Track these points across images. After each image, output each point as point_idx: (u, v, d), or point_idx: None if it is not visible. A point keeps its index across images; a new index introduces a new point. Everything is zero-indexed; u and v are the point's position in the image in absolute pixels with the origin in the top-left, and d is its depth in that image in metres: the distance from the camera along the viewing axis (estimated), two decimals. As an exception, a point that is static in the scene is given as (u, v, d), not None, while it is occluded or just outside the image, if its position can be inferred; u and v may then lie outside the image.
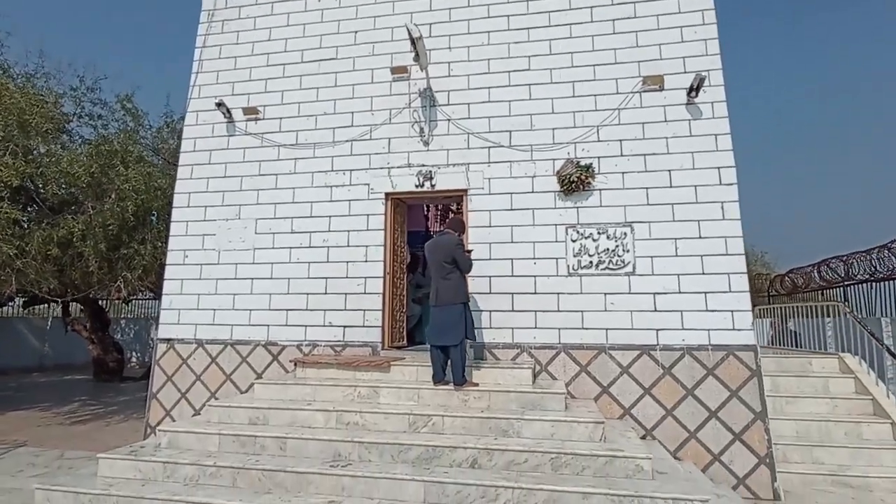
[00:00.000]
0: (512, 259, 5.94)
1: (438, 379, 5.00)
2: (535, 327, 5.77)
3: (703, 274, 5.53)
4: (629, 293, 5.64)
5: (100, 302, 13.41)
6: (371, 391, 5.11)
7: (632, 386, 5.48)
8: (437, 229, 9.77)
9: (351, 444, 4.37)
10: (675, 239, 5.65)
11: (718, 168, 5.69)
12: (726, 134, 5.74)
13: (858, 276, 9.67)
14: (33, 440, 7.12)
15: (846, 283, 10.31)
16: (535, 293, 5.83)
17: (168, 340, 6.63)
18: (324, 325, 6.27)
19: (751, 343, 5.35)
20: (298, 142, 6.72)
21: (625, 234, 5.76)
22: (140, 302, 17.42)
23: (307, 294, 6.37)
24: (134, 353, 17.11)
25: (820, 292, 11.57)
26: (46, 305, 15.04)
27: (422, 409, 4.79)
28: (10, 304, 13.72)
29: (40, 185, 8.24)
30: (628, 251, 5.72)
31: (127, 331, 17.39)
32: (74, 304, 13.28)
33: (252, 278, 6.54)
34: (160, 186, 8.79)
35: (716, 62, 5.90)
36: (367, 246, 6.32)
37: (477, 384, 5.00)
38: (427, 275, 9.03)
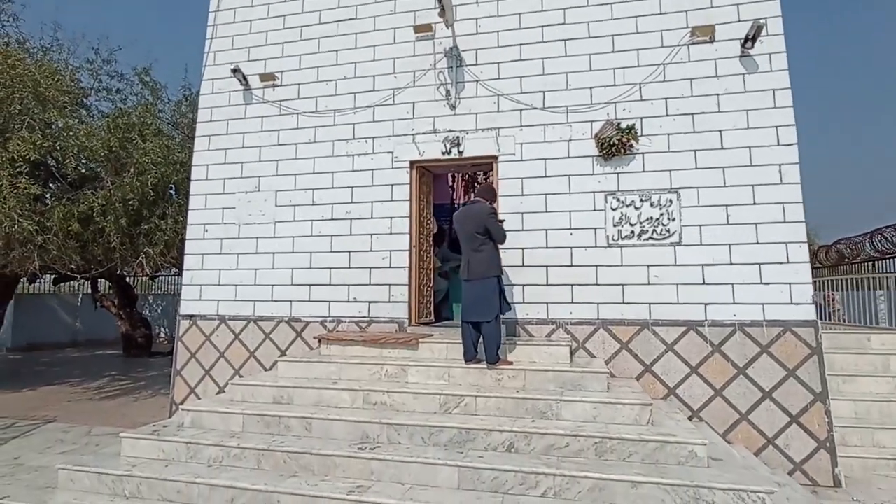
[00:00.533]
0: (546, 230, 5.56)
1: (470, 357, 4.72)
2: (572, 302, 5.42)
3: (758, 244, 5.08)
4: (675, 265, 5.23)
5: (126, 279, 13.50)
6: (399, 370, 4.86)
7: (677, 364, 5.11)
8: (463, 201, 9.41)
9: (379, 425, 4.14)
10: (727, 206, 5.19)
11: (776, 127, 5.17)
12: (786, 89, 5.20)
13: None
14: (63, 416, 7.14)
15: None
16: (572, 266, 5.46)
17: (190, 317, 6.49)
18: (348, 301, 6.02)
19: (810, 318, 4.91)
20: (318, 109, 6.38)
21: (670, 200, 5.32)
22: (165, 278, 17.57)
23: (330, 269, 6.12)
24: (162, 329, 17.35)
25: (871, 263, 10.88)
26: (76, 282, 15.26)
27: (453, 388, 4.53)
28: (39, 280, 13.89)
29: (59, 160, 8.10)
30: (674, 220, 5.28)
31: (154, 307, 17.61)
32: (103, 280, 13.42)
33: (273, 252, 6.32)
34: (179, 160, 8.59)
35: (774, 8, 5.32)
36: (391, 217, 6.01)
37: (511, 362, 4.70)
38: (453, 248, 8.72)
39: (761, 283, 5.03)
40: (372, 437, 4.14)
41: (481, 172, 9.18)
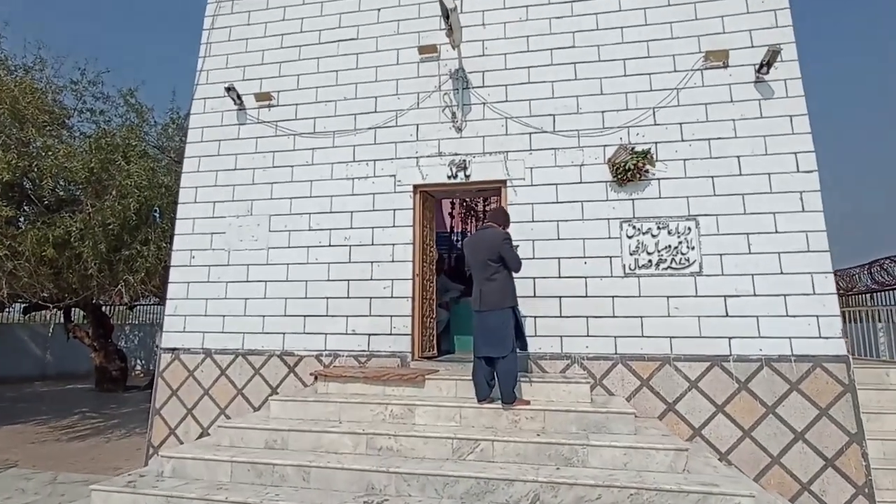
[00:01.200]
0: (559, 258, 5.27)
1: (483, 396, 4.32)
2: (588, 335, 5.10)
3: (782, 273, 4.84)
4: (696, 296, 4.96)
5: (102, 308, 12.82)
6: (405, 410, 4.44)
7: (702, 402, 4.78)
8: (461, 229, 9.13)
9: (386, 474, 3.71)
10: (748, 234, 4.96)
11: (795, 154, 5.01)
12: (803, 115, 5.06)
13: None
14: (26, 459, 6.50)
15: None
16: (587, 296, 5.16)
17: (173, 350, 5.99)
18: (346, 333, 5.61)
19: (841, 353, 4.65)
20: (316, 130, 6.09)
21: (688, 228, 5.08)
22: (145, 308, 16.83)
23: (327, 298, 5.71)
24: (138, 361, 16.50)
25: (868, 295, 10.80)
26: (47, 312, 14.47)
27: (466, 431, 4.12)
28: (7, 309, 13.12)
29: (36, 181, 7.63)
30: (693, 248, 5.04)
31: (131, 338, 16.79)
32: (76, 310, 12.72)
33: (266, 281, 5.90)
34: (165, 184, 8.18)
35: (787, 34, 5.23)
36: (393, 244, 5.67)
37: (528, 402, 4.32)
38: (452, 277, 8.37)
39: (787, 315, 4.77)
40: (378, 489, 3.69)
41: (481, 200, 8.95)
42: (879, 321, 9.31)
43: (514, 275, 4.47)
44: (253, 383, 5.72)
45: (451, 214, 8.81)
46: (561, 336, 5.15)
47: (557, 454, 3.82)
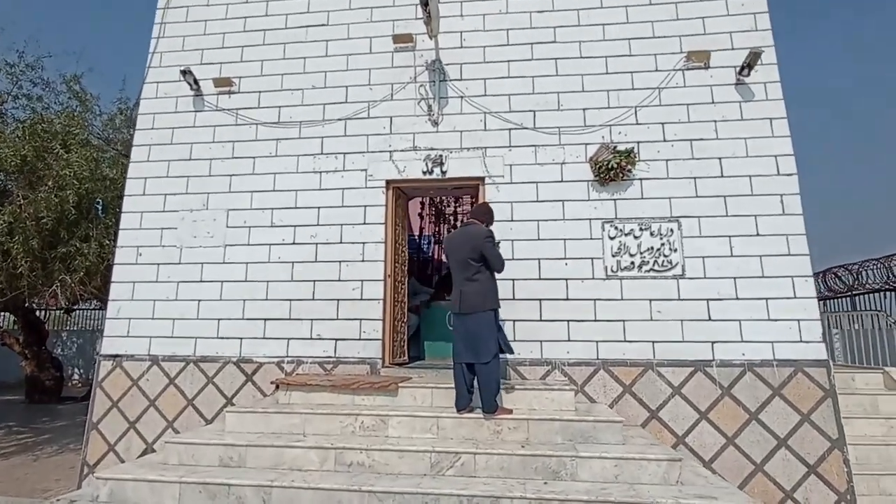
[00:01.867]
0: (539, 259, 5.04)
1: (464, 405, 4.01)
2: (569, 339, 4.87)
3: (764, 277, 4.77)
4: (678, 299, 4.82)
5: (36, 312, 11.77)
6: (377, 421, 4.07)
7: (685, 409, 4.63)
8: (430, 232, 8.83)
9: (358, 493, 3.33)
10: (730, 237, 4.88)
11: (775, 157, 4.97)
12: (782, 118, 5.04)
13: (868, 284, 9.22)
14: (-63, 483, 5.70)
15: (854, 292, 9.89)
16: (568, 299, 4.94)
17: (114, 357, 5.40)
18: (311, 338, 5.18)
19: (822, 357, 4.60)
20: (281, 119, 5.66)
21: (671, 230, 4.95)
22: (85, 312, 15.64)
23: (290, 300, 5.28)
24: (76, 370, 15.26)
25: (822, 302, 11.17)
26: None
27: (444, 443, 3.79)
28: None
29: (-43, 170, 6.85)
30: (675, 250, 4.91)
31: (69, 345, 15.54)
32: (6, 314, 11.63)
33: (222, 281, 5.40)
34: (109, 176, 7.54)
35: (767, 38, 5.21)
36: (364, 243, 5.30)
37: (510, 411, 4.03)
38: (420, 279, 8.04)
39: (769, 319, 4.70)
40: (349, 510, 3.31)
41: (452, 201, 8.68)
42: (834, 328, 9.60)
43: (497, 276, 4.19)
44: (206, 393, 5.20)
45: (420, 215, 8.50)
46: (541, 341, 4.90)
47: (544, 467, 3.55)
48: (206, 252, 5.48)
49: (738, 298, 4.76)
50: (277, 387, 4.68)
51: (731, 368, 4.65)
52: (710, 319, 4.76)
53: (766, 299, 4.73)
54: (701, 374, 4.67)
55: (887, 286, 8.65)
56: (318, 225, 5.38)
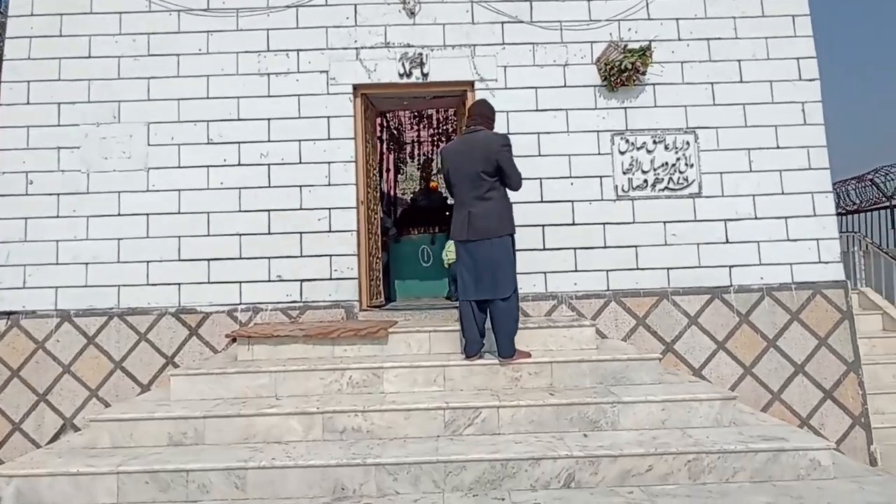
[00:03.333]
0: (540, 179, 4.32)
1: (475, 350, 3.32)
2: (576, 270, 4.28)
3: (783, 194, 4.34)
4: (694, 220, 4.31)
5: None
6: (369, 375, 3.31)
7: (702, 340, 4.23)
8: (391, 162, 7.85)
9: (363, 468, 2.61)
10: (749, 149, 4.37)
11: (797, 59, 4.44)
12: (805, 15, 4.49)
13: (847, 204, 9.26)
14: None
15: (838, 212, 10.03)
16: (574, 224, 4.31)
17: (8, 315, 4.22)
18: (269, 280, 4.26)
19: (840, 278, 4.30)
20: (211, 6, 4.41)
21: (687, 143, 4.36)
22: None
23: (240, 235, 4.28)
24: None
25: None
26: None
27: (457, 397, 3.12)
28: None
29: None
30: (692, 165, 4.35)
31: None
32: None
33: (148, 214, 4.28)
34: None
35: (789, -78, 4.53)
36: (329, 163, 4.33)
37: (529, 354, 3.40)
38: (415, 212, 7.14)
39: (788, 239, 4.31)
40: (352, 489, 2.60)
41: (414, 122, 7.69)
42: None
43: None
44: (138, 353, 4.20)
45: (379, 139, 7.47)
46: (545, 272, 4.27)
47: (581, 417, 2.97)
48: (124, 178, 4.29)
49: (756, 218, 4.32)
50: (234, 340, 3.78)
51: (749, 294, 4.26)
52: (727, 242, 4.30)
53: (786, 218, 4.32)
54: (718, 301, 4.25)
55: (874, 205, 8.60)
56: (269, 141, 4.33)
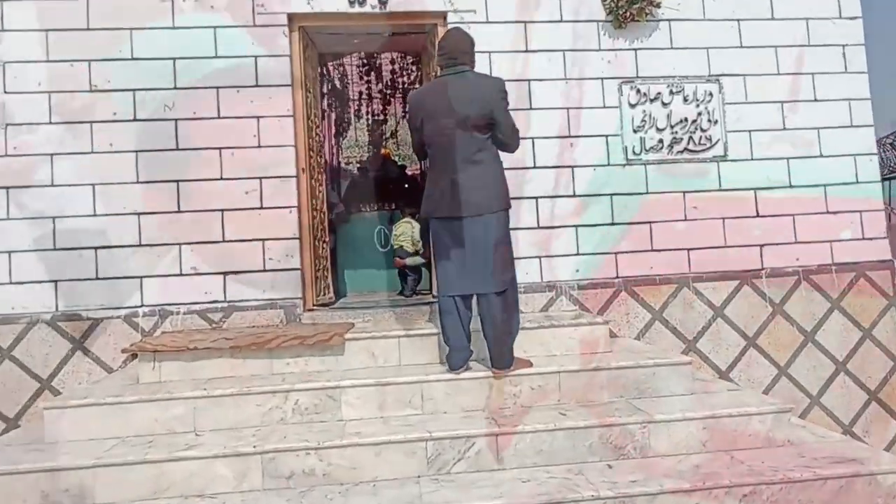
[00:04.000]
0: (533, 138, 4.00)
1: (460, 361, 2.96)
2: (578, 253, 4.00)
3: (821, 157, 4.20)
4: (719, 189, 4.12)
5: None
6: (322, 397, 2.92)
7: (729, 336, 4.06)
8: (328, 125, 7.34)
9: (320, 529, 2.23)
10: (782, 102, 4.19)
11: (836, -10, 4.28)
12: (845, -66, 4.31)
13: None
14: None
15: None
16: (575, 195, 4.02)
17: None
18: (180, 274, 3.75)
19: (886, 257, 4.21)
20: None
21: (709, 94, 4.14)
22: None
23: (138, 214, 3.74)
24: None
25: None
26: None
27: (442, 423, 2.78)
28: None
29: None
30: (716, 122, 4.13)
31: None
32: None
33: (7, 187, 3.67)
34: None
35: None
36: (258, 117, 3.84)
37: (530, 362, 3.09)
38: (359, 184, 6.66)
39: (828, 212, 4.18)
40: (307, 559, 2.22)
41: (362, 73, 7.21)
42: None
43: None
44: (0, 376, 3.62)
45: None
46: (540, 256, 3.98)
47: (603, 443, 2.70)
48: (-30, 137, 3.65)
49: (791, 186, 4.16)
50: (134, 356, 3.29)
51: (784, 279, 4.11)
52: (757, 215, 4.13)
53: (825, 185, 4.18)
54: (748, 287, 4.08)
55: (891, 173, 8.77)
56: (174, 88, 3.78)
